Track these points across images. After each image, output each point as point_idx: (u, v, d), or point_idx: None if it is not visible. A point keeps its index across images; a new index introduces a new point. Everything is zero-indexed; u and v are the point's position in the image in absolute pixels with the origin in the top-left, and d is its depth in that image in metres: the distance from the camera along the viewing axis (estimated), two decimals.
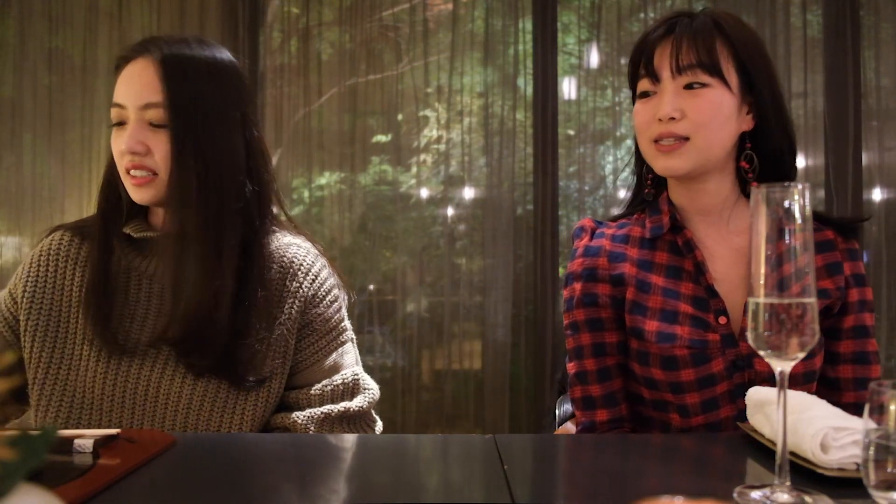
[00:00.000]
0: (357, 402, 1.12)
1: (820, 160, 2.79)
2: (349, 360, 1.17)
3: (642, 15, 2.93)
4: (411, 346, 2.85)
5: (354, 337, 1.23)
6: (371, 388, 1.16)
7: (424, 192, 2.91)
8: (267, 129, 2.91)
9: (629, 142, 2.92)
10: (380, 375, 2.82)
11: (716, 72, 1.03)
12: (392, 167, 2.91)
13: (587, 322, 1.10)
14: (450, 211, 2.90)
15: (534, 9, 2.85)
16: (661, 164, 1.06)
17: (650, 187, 1.15)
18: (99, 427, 1.04)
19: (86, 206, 2.89)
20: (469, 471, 0.82)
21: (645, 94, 1.08)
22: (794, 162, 1.11)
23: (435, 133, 2.91)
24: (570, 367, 1.12)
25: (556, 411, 1.40)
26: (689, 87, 1.04)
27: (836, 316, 1.07)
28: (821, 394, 1.01)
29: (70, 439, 0.81)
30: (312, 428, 1.07)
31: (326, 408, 1.09)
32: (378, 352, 2.87)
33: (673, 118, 1.03)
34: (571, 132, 2.91)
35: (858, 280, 1.08)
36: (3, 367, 1.11)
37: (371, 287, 2.89)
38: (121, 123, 1.06)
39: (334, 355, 1.15)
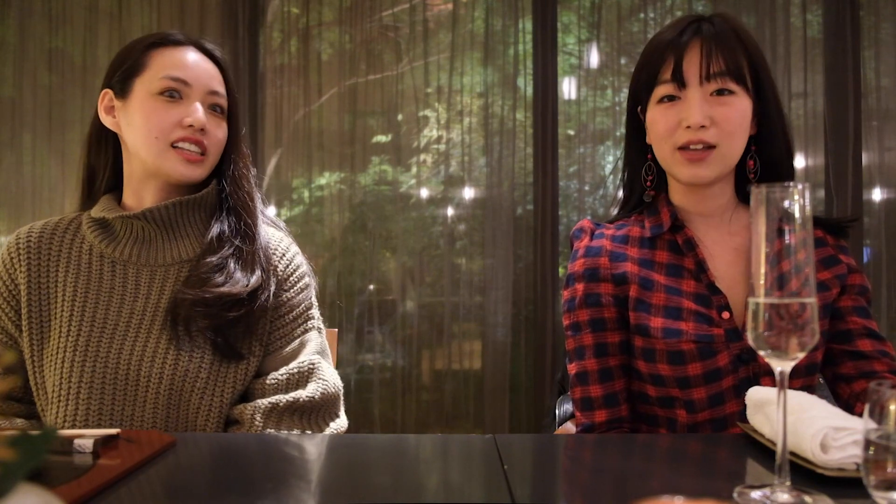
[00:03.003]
0: (308, 392, 1.09)
1: (820, 160, 2.79)
2: (310, 349, 1.15)
3: (642, 15, 2.93)
4: (411, 346, 2.85)
5: (322, 327, 1.21)
6: (327, 380, 1.13)
7: (424, 192, 2.91)
8: (267, 129, 2.91)
9: None
10: (380, 375, 2.82)
11: (741, 80, 1.04)
12: (392, 167, 2.91)
13: (590, 322, 1.09)
14: (450, 211, 2.89)
15: (534, 9, 2.85)
16: (688, 172, 1.05)
17: (651, 189, 1.15)
18: (77, 417, 1.04)
19: None
20: (469, 471, 0.82)
21: (669, 99, 1.06)
22: (792, 164, 1.13)
23: (435, 133, 2.91)
24: (571, 368, 1.12)
25: (556, 411, 1.40)
26: (718, 93, 1.03)
27: (837, 297, 1.09)
28: (850, 367, 1.06)
29: (70, 439, 0.81)
30: (259, 419, 1.05)
31: (275, 398, 1.07)
32: (378, 352, 2.87)
33: (703, 126, 1.02)
34: (571, 132, 2.91)
35: (853, 269, 1.11)
36: (3, 366, 1.11)
37: (371, 287, 2.89)
38: (172, 96, 1.10)
39: (296, 342, 1.14)
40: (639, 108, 1.14)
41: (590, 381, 1.09)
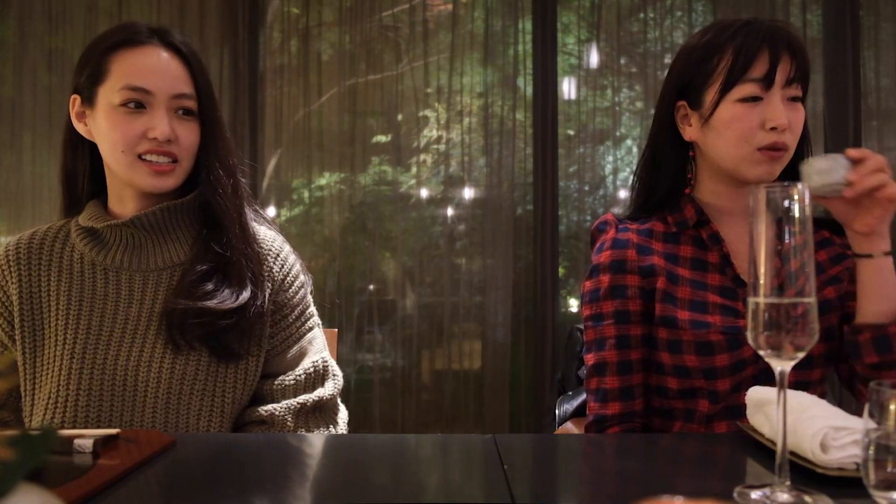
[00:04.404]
0: (328, 390, 1.13)
1: None
2: (318, 346, 1.17)
3: (642, 15, 2.93)
4: (411, 346, 2.85)
5: (320, 322, 1.22)
6: (338, 375, 1.18)
7: (424, 192, 2.91)
8: (267, 129, 2.91)
9: (629, 142, 2.93)
10: (380, 375, 2.82)
11: (806, 89, 1.09)
12: (392, 167, 2.91)
13: (614, 313, 1.10)
14: (450, 211, 2.90)
15: (534, 9, 2.85)
16: (764, 170, 1.07)
17: (690, 187, 1.16)
18: (76, 425, 1.03)
19: None
20: (469, 471, 0.82)
21: (752, 99, 1.06)
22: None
23: (435, 133, 2.91)
24: (589, 359, 1.12)
25: (556, 411, 1.40)
26: (792, 99, 1.07)
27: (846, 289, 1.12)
28: (843, 367, 1.10)
29: (70, 439, 0.81)
30: (290, 419, 1.07)
31: (302, 398, 1.09)
32: (378, 352, 2.87)
33: (786, 129, 1.06)
34: (571, 132, 2.91)
35: None
36: (3, 367, 1.11)
37: (371, 287, 2.89)
38: (138, 106, 1.05)
39: (302, 342, 1.15)
40: (679, 104, 1.13)
41: (607, 373, 1.09)
